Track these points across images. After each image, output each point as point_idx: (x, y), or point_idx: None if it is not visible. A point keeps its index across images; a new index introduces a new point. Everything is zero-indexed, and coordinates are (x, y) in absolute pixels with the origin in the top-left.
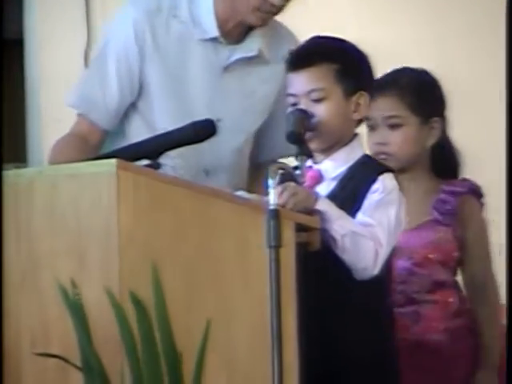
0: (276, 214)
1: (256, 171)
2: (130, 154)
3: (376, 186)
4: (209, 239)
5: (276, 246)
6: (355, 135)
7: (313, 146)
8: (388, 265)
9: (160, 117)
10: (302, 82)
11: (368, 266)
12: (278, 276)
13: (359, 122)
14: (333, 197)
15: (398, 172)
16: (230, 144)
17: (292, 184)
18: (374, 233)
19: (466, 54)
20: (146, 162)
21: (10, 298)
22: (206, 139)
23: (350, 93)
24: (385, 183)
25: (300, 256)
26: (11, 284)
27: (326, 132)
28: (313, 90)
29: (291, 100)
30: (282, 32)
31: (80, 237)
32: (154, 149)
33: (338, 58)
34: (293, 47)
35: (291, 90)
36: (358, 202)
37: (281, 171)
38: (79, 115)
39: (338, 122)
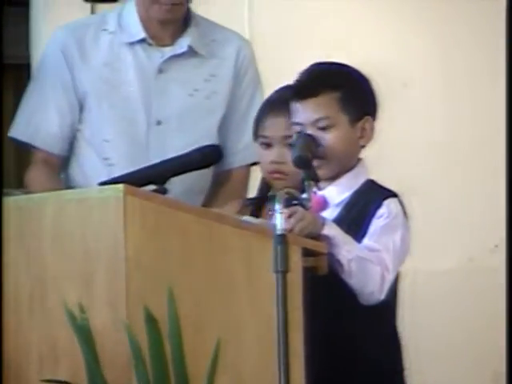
0: (283, 239)
1: (220, 177)
2: (137, 179)
3: (381, 210)
4: (216, 263)
5: (283, 270)
6: (359, 160)
7: (321, 173)
8: (394, 289)
9: (103, 127)
10: (307, 112)
11: (374, 291)
12: (285, 301)
13: (363, 146)
14: (338, 222)
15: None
16: (176, 144)
17: (299, 208)
18: (381, 257)
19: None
20: (152, 187)
21: (19, 320)
22: (213, 164)
23: (355, 119)
24: (390, 208)
25: (307, 280)
26: (20, 306)
27: (334, 159)
28: (319, 119)
29: (297, 128)
30: (225, 33)
31: (88, 260)
32: (160, 174)
33: (341, 86)
34: (241, 48)
35: (297, 119)
36: (364, 227)
37: (288, 196)
38: (32, 147)
39: (345, 148)
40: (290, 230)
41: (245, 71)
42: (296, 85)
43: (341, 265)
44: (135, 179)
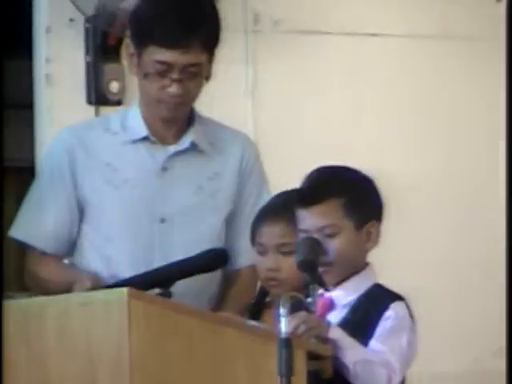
0: (287, 343)
1: (229, 277)
2: (142, 282)
3: (388, 313)
4: (220, 367)
5: (287, 374)
6: (367, 264)
7: (327, 278)
8: None
9: (105, 227)
10: (312, 219)
11: None
12: None
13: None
14: (344, 324)
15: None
16: (180, 242)
17: (303, 312)
18: (386, 359)
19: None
20: (157, 290)
21: None
22: (219, 267)
23: (361, 224)
24: (397, 310)
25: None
26: None
27: (340, 265)
28: (325, 227)
29: (303, 235)
30: (230, 132)
31: (91, 363)
32: (165, 277)
33: (345, 192)
34: (246, 147)
35: (303, 226)
36: (370, 329)
37: (292, 300)
38: (28, 247)
39: (351, 254)
40: (294, 332)
41: (250, 170)
42: (301, 191)
43: (346, 368)
44: (139, 282)
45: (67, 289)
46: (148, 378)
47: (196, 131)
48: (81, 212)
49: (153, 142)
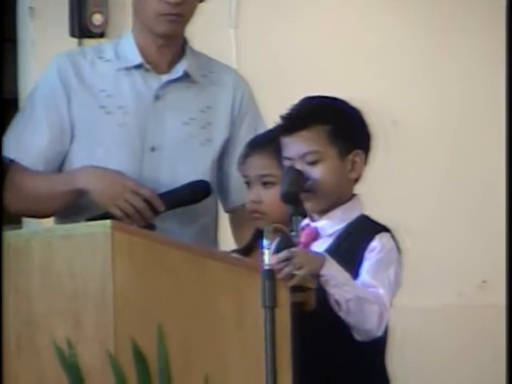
0: (271, 275)
1: (237, 213)
2: None
3: (373, 244)
4: (205, 299)
5: (271, 306)
6: (354, 195)
7: (309, 207)
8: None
9: (95, 152)
10: (295, 146)
11: (373, 329)
12: (273, 336)
13: (356, 180)
14: (329, 253)
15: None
16: (170, 171)
17: (297, 252)
18: (378, 295)
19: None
20: None
21: (8, 358)
22: (202, 199)
23: (345, 152)
24: (382, 242)
25: (295, 316)
26: (9, 344)
27: (323, 193)
28: (307, 153)
29: (287, 163)
30: (222, 66)
31: (76, 297)
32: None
33: (330, 119)
34: (239, 82)
35: (286, 154)
36: (355, 259)
37: (277, 231)
38: (11, 162)
39: (334, 182)
40: (289, 280)
41: (245, 107)
42: (285, 118)
43: (338, 303)
44: None
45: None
46: (132, 311)
47: (189, 61)
48: (72, 134)
49: (147, 70)
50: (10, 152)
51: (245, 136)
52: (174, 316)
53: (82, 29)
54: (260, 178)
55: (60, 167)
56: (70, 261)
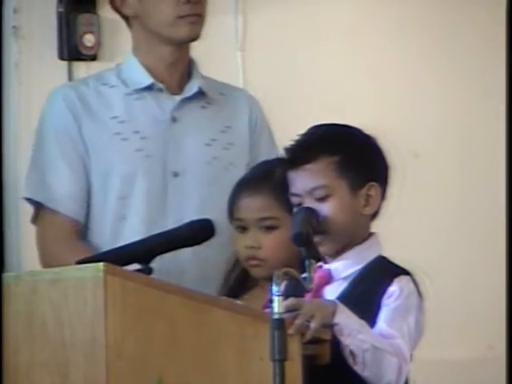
0: (280, 325)
1: None
2: (119, 256)
3: (392, 289)
4: (206, 351)
5: (281, 359)
6: (371, 234)
7: (323, 250)
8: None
9: (115, 183)
10: (302, 181)
11: (391, 383)
12: None
13: (374, 215)
14: (343, 298)
15: None
16: (196, 199)
17: (304, 304)
18: (397, 347)
19: None
20: (136, 266)
21: None
22: (205, 240)
23: (357, 186)
24: (401, 286)
25: (307, 370)
26: None
27: (334, 233)
28: (315, 188)
29: (295, 200)
30: (232, 88)
31: (63, 348)
32: (145, 252)
33: (338, 149)
34: (252, 104)
35: (293, 190)
36: (372, 305)
37: (286, 277)
38: (38, 204)
39: (346, 220)
40: (302, 335)
41: (261, 127)
42: (289, 150)
43: (353, 355)
44: (117, 257)
45: None
46: (126, 363)
47: (199, 80)
48: (90, 166)
49: (160, 90)
50: (35, 195)
51: (262, 155)
52: (171, 369)
53: (71, 51)
54: (259, 221)
55: (88, 202)
56: (58, 307)
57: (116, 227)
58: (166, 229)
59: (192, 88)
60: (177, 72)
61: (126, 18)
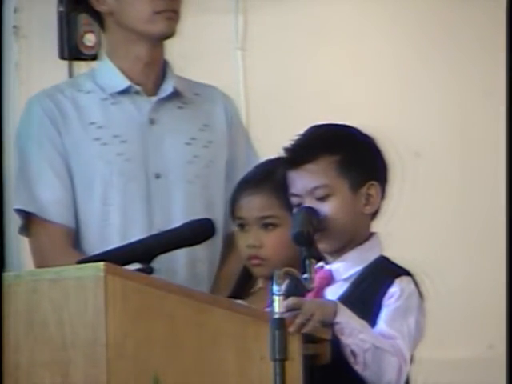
0: (281, 324)
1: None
2: (120, 256)
3: (392, 289)
4: (206, 350)
5: (281, 359)
6: (372, 234)
7: (323, 247)
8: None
9: (98, 188)
10: (302, 181)
11: (391, 383)
12: None
13: (374, 215)
14: (344, 299)
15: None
16: (180, 200)
17: (304, 302)
18: (397, 347)
19: None
20: (137, 265)
21: None
22: (205, 240)
23: (357, 185)
24: (402, 287)
25: (308, 369)
26: None
27: (335, 232)
28: (315, 188)
29: (295, 201)
30: (203, 85)
31: (64, 348)
32: (146, 251)
33: (339, 149)
34: (227, 101)
35: (293, 190)
36: (373, 306)
37: (287, 276)
38: (29, 214)
39: (347, 219)
40: (299, 331)
41: (237, 124)
42: (289, 150)
43: (354, 355)
44: (117, 257)
45: None
46: (126, 363)
47: (174, 79)
48: (73, 177)
49: (136, 93)
50: (26, 205)
51: (242, 157)
52: (171, 368)
53: (72, 50)
54: (260, 219)
55: (76, 208)
56: (58, 307)
57: (102, 232)
58: (152, 231)
59: (167, 89)
60: (152, 73)
61: (99, 20)
